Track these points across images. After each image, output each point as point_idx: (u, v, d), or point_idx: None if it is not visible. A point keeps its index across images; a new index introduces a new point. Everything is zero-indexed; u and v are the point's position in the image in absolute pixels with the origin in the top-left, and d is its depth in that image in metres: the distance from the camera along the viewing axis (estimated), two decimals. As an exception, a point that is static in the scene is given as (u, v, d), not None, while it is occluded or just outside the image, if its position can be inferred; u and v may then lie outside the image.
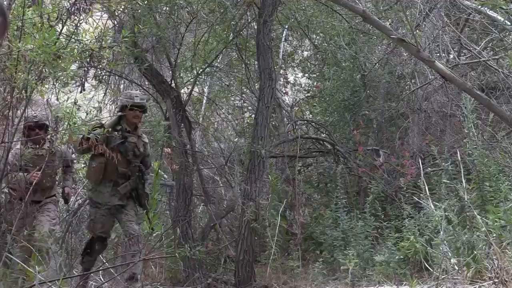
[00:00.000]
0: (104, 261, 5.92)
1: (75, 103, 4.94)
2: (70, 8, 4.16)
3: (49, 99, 5.20)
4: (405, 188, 5.99)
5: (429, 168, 6.27)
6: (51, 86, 4.80)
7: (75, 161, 6.24)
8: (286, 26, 8.43)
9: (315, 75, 9.26)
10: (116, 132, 5.23)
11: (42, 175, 5.07)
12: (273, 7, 6.56)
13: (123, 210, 5.25)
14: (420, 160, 6.34)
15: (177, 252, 5.94)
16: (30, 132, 5.28)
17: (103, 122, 5.40)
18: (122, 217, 5.24)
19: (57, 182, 5.80)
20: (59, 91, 5.19)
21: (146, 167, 5.46)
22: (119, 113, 5.33)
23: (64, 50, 4.01)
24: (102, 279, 6.09)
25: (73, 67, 4.71)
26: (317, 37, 8.85)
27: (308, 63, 9.60)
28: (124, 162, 5.25)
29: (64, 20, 4.35)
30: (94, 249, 5.27)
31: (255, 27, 7.15)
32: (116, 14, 6.55)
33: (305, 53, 9.96)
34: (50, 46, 3.89)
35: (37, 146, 5.26)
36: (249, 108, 9.55)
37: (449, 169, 5.43)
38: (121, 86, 8.67)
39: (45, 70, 4.14)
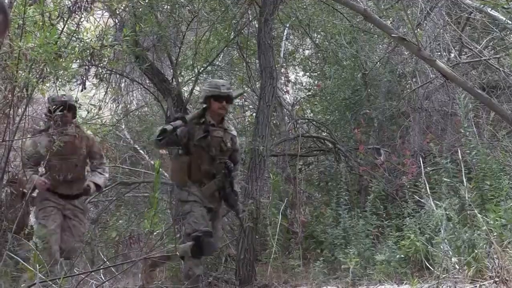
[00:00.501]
0: (105, 260, 5.92)
1: (76, 101, 4.93)
2: (71, 7, 4.16)
3: (49, 97, 5.16)
4: (407, 186, 5.99)
5: (428, 168, 6.26)
6: (52, 84, 4.78)
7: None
8: (287, 25, 8.43)
9: (316, 74, 9.26)
10: (199, 126, 4.73)
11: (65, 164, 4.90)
12: (274, 5, 6.56)
13: (216, 215, 4.77)
14: (421, 159, 6.34)
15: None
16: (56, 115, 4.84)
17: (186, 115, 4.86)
18: (215, 224, 4.73)
19: (86, 174, 5.35)
20: (59, 89, 5.16)
21: (234, 162, 4.88)
22: (204, 105, 4.81)
23: (65, 49, 4.01)
24: (103, 278, 6.09)
25: (74, 65, 4.70)
26: (318, 36, 8.85)
27: (309, 62, 9.60)
28: (208, 159, 4.74)
29: (65, 19, 4.35)
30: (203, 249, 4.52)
31: (256, 25, 7.15)
32: (117, 12, 6.55)
33: (306, 52, 9.97)
34: (51, 45, 3.89)
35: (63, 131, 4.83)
36: (250, 106, 9.55)
37: (449, 168, 5.43)
38: (122, 85, 8.68)
39: (46, 69, 4.14)
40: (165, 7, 7.01)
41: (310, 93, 9.43)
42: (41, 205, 5.03)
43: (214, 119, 4.78)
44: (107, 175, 5.42)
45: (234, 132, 4.98)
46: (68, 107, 4.83)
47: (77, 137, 5.00)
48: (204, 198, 4.67)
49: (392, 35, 5.14)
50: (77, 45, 4.25)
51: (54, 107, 4.51)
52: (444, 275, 3.90)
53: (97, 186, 5.18)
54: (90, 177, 5.22)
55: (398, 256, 5.14)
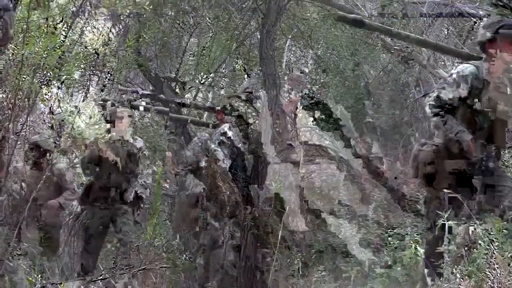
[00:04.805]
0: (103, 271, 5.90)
1: (78, 111, 4.90)
2: (75, 11, 4.17)
3: (51, 107, 5.15)
4: (408, 196, 5.98)
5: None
6: (54, 93, 4.76)
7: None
8: (290, 36, 8.45)
9: (317, 86, 9.26)
10: None
11: None
12: (276, 15, 6.57)
13: None
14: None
15: (178, 262, 5.93)
16: None
17: None
18: None
19: None
20: (63, 97, 5.15)
21: None
22: None
23: (69, 53, 4.02)
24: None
25: (76, 76, 4.70)
26: (320, 47, 8.86)
27: (310, 76, 9.59)
28: None
29: (70, 25, 4.36)
30: None
31: (258, 36, 7.17)
32: (121, 18, 6.58)
33: (309, 64, 9.97)
34: (55, 50, 3.90)
35: None
36: (253, 114, 9.54)
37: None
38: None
39: (50, 74, 4.14)
40: (169, 13, 7.03)
41: (313, 102, 9.41)
42: None
43: None
44: None
45: None
46: None
47: None
48: None
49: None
50: (81, 51, 4.26)
51: None
52: (445, 285, 3.88)
53: None
54: None
55: (399, 265, 5.12)
